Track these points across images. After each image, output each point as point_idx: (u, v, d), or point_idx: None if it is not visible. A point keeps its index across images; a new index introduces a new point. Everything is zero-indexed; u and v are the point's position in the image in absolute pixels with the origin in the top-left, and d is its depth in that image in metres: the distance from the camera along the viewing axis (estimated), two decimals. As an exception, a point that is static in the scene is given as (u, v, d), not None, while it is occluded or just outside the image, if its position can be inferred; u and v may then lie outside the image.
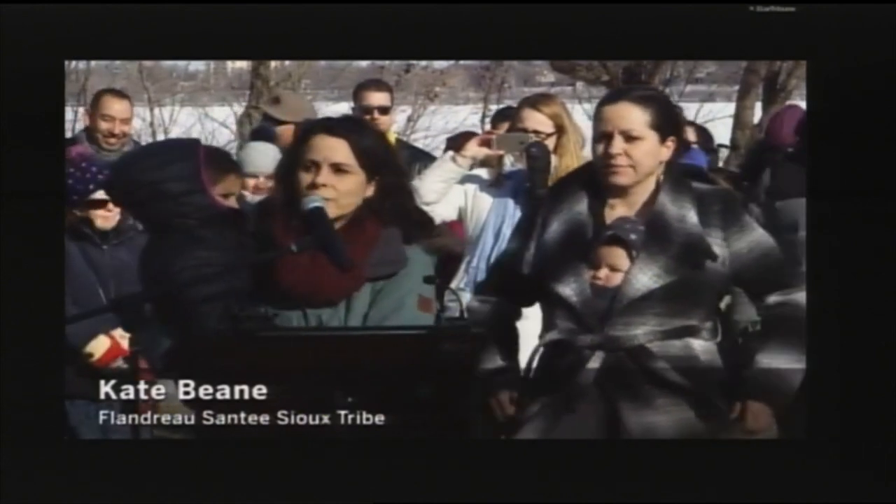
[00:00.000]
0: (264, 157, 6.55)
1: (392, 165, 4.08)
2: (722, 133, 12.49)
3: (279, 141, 7.45)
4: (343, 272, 3.80)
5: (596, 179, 4.21)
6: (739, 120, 13.24)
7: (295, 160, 3.99)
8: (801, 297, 4.17)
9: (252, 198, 6.28)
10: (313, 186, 3.90)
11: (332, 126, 4.02)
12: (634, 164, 4.12)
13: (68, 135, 7.87)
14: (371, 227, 3.94)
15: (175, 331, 3.80)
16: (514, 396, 4.20)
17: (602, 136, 4.14)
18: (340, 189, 3.92)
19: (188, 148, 4.08)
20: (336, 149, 3.95)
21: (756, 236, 4.17)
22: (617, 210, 4.18)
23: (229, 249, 3.92)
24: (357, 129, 4.07)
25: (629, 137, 4.12)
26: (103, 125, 7.37)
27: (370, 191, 3.99)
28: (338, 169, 3.93)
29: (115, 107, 7.46)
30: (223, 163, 4.18)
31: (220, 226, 3.96)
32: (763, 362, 4.14)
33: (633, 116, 4.13)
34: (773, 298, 4.17)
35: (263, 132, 7.07)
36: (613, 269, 4.10)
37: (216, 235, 3.93)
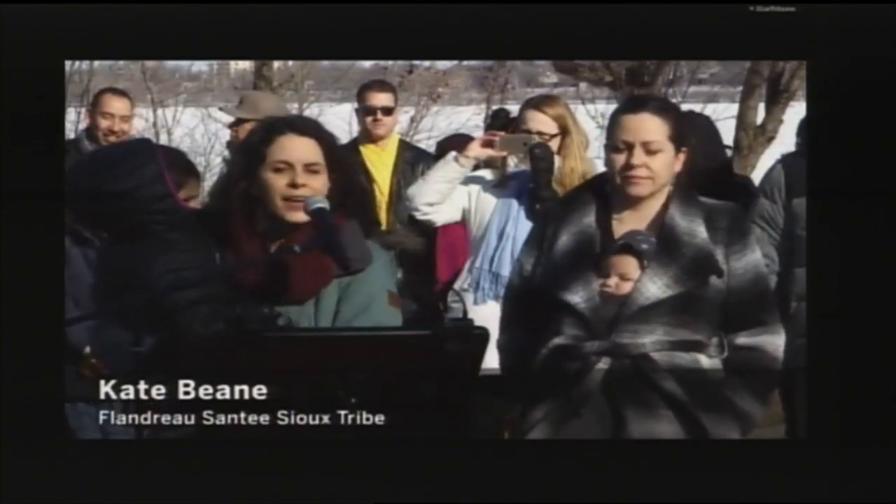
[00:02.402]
0: None
1: (349, 164, 4.08)
2: (725, 134, 12.44)
3: (239, 139, 7.45)
4: (343, 271, 3.80)
5: (605, 191, 4.21)
6: (743, 121, 13.19)
7: (259, 160, 3.94)
8: (768, 341, 4.16)
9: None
10: (293, 187, 3.89)
11: (298, 126, 4.00)
12: (654, 175, 4.13)
13: (70, 135, 7.89)
14: (336, 225, 3.91)
15: (161, 333, 3.78)
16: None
17: (622, 146, 4.13)
18: (315, 188, 3.90)
19: (146, 151, 4.04)
20: (308, 148, 3.93)
21: (753, 259, 4.16)
22: (625, 223, 4.18)
23: (203, 252, 3.90)
24: (321, 128, 4.06)
25: (650, 149, 4.12)
26: (103, 123, 7.38)
27: (326, 190, 3.96)
28: (310, 169, 3.91)
29: (115, 104, 7.46)
30: (183, 166, 4.16)
31: (190, 229, 3.93)
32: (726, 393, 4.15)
33: (654, 128, 4.13)
34: (741, 339, 4.15)
35: None
36: (624, 277, 4.10)
37: (188, 239, 3.91)
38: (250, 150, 4.00)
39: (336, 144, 4.05)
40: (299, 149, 3.93)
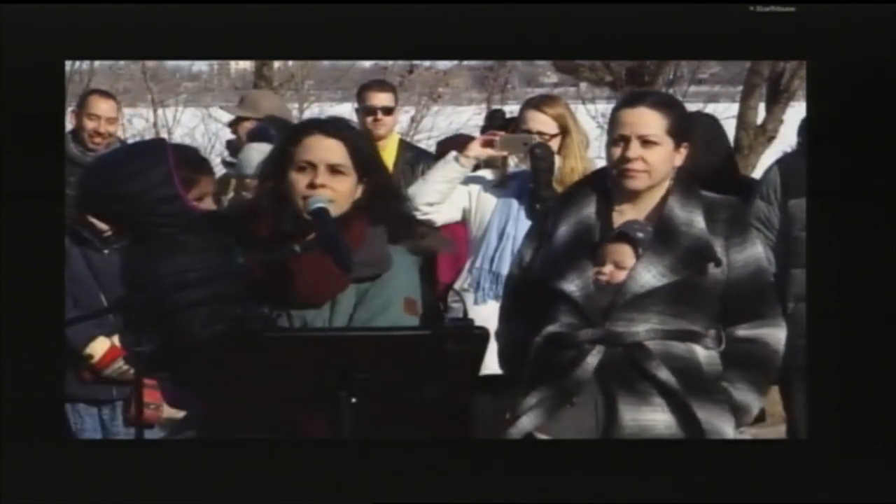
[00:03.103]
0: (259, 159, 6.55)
1: (382, 167, 4.08)
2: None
3: (239, 137, 7.53)
4: (343, 273, 3.79)
5: (606, 185, 4.23)
6: (743, 121, 13.19)
7: (286, 160, 3.95)
8: (768, 333, 4.17)
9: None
10: (311, 187, 3.88)
11: (326, 126, 4.00)
12: (650, 169, 4.14)
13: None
14: (357, 229, 3.91)
15: (164, 334, 3.78)
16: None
17: (619, 139, 4.15)
18: (338, 190, 3.91)
19: (157, 152, 4.03)
20: (332, 150, 3.93)
21: (754, 253, 4.17)
22: (625, 216, 4.20)
23: (212, 253, 3.89)
24: (350, 130, 4.06)
25: (646, 142, 4.13)
26: (89, 124, 7.36)
27: (359, 192, 3.97)
28: (334, 170, 3.91)
29: (101, 106, 7.44)
30: (195, 164, 4.14)
31: (201, 229, 3.93)
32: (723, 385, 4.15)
33: (651, 122, 4.15)
34: (741, 331, 4.16)
35: (261, 133, 7.10)
36: (618, 265, 4.11)
37: (198, 239, 3.90)
38: (280, 150, 4.02)
39: (366, 146, 4.04)
40: (324, 149, 3.93)
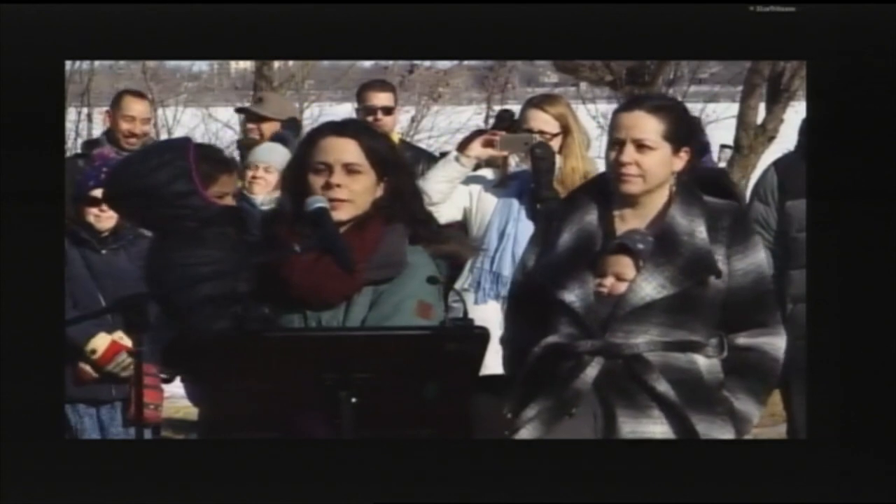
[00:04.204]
0: (268, 153, 6.65)
1: (401, 167, 4.06)
2: (726, 134, 12.48)
3: (261, 136, 7.63)
4: (345, 273, 3.78)
5: (608, 190, 4.21)
6: (743, 121, 13.21)
7: (303, 163, 3.96)
8: (768, 342, 4.15)
9: (252, 196, 6.33)
10: (328, 187, 3.88)
11: (339, 127, 4.00)
12: (644, 173, 4.11)
13: (71, 136, 7.92)
14: (373, 230, 3.90)
15: (175, 330, 3.79)
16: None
17: (615, 143, 4.14)
18: (355, 189, 3.90)
19: (179, 149, 4.04)
20: (346, 149, 3.92)
21: (757, 260, 4.15)
22: (627, 222, 4.17)
23: (229, 249, 3.89)
24: (365, 129, 4.07)
25: (641, 146, 4.11)
26: (124, 126, 7.44)
27: (380, 192, 3.96)
28: (350, 169, 3.90)
29: (136, 107, 7.55)
30: (215, 162, 4.14)
31: (219, 226, 3.93)
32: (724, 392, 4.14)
33: (647, 126, 4.12)
34: (741, 339, 4.14)
35: (281, 138, 7.19)
36: (619, 277, 4.09)
37: (216, 236, 3.90)
38: (297, 156, 4.05)
39: (383, 146, 4.02)
40: (338, 149, 3.93)
